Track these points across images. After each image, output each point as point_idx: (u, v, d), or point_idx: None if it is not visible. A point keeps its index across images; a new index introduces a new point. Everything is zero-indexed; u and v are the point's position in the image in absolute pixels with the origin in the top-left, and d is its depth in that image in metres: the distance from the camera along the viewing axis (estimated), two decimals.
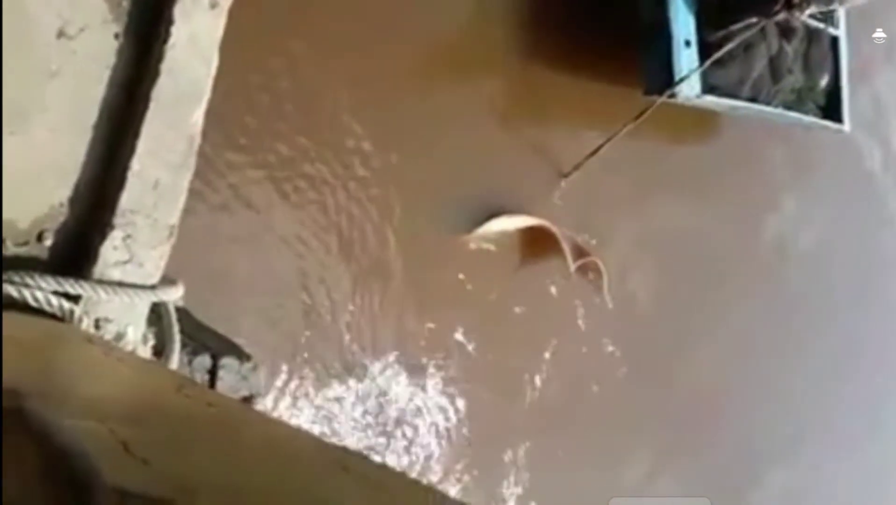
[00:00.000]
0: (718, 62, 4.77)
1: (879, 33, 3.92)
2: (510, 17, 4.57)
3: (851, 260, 6.22)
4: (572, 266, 4.68)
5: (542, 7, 4.59)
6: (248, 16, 2.44)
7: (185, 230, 2.36)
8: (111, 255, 2.24)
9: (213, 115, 2.35)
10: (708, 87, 4.74)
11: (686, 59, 4.59)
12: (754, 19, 4.50)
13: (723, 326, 5.43)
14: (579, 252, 4.72)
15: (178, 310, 2.36)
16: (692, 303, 5.26)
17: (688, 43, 4.59)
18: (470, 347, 4.31)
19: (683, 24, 4.55)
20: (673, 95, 4.60)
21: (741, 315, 5.51)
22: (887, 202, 6.49)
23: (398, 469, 3.73)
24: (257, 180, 3.63)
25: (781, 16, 4.48)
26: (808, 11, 4.51)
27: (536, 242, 4.65)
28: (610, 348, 4.87)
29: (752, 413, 5.52)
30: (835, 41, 5.27)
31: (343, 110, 3.87)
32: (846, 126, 5.34)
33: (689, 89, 4.62)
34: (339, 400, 3.84)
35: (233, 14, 2.34)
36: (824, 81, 5.25)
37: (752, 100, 4.92)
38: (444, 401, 4.24)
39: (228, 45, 2.30)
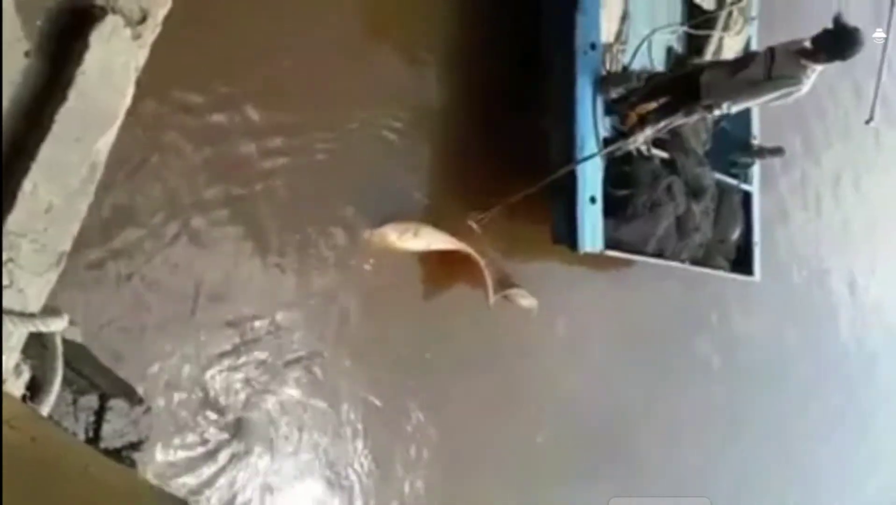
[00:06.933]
0: (624, 219, 4.96)
1: (879, 33, 4.18)
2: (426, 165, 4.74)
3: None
4: (492, 297, 4.54)
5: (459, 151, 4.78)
6: None
7: None
8: None
9: None
10: (612, 243, 4.88)
11: (590, 216, 4.75)
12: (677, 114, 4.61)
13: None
14: (503, 283, 4.54)
15: (72, 344, 2.08)
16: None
17: (593, 199, 4.76)
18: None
19: (591, 179, 4.72)
20: (576, 249, 4.71)
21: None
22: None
23: None
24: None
25: (698, 113, 4.59)
26: (721, 110, 4.53)
27: (456, 267, 4.53)
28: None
29: None
30: (747, 196, 5.61)
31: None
32: (757, 277, 5.55)
33: (592, 245, 4.74)
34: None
35: None
36: (735, 235, 5.50)
37: (658, 255, 5.08)
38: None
39: None
